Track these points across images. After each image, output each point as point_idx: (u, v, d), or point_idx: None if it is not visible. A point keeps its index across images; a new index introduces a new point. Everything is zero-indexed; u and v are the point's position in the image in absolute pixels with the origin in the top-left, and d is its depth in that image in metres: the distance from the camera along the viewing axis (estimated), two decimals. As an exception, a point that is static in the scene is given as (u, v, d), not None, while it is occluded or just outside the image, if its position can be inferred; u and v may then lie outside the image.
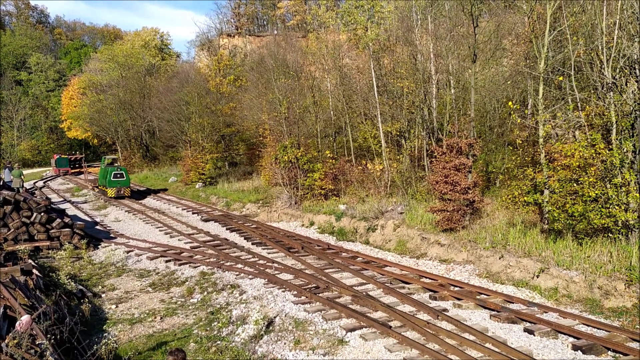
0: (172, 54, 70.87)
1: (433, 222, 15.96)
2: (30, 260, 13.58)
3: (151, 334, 9.77)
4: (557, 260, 11.55)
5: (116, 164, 34.38)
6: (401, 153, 23.46)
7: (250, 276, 13.06)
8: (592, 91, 13.50)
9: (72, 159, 54.31)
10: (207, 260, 14.96)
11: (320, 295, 11.11)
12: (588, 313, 9.92)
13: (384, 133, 23.10)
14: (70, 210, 26.20)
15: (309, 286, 11.94)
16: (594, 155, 11.92)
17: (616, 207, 11.43)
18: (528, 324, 9.30)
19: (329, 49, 27.22)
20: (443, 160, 15.89)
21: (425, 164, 21.65)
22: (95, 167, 58.72)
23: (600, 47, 12.42)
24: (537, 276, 11.50)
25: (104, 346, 8.46)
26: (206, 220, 22.86)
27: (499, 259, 12.72)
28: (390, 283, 12.17)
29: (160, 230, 20.72)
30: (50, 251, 16.36)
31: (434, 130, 21.48)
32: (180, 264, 14.84)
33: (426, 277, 12.48)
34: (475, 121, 18.60)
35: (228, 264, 14.44)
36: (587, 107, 13.72)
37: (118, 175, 30.45)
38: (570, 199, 12.34)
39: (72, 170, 53.04)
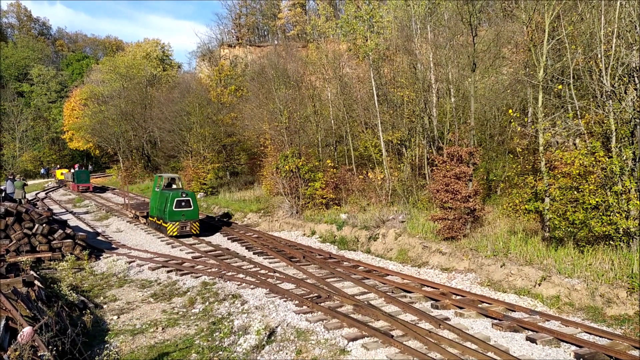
0: (173, 65, 71.38)
1: (434, 230, 15.96)
2: (32, 272, 13.57)
3: (153, 344, 9.75)
4: (558, 268, 11.54)
5: (175, 185, 23.49)
6: (402, 162, 23.54)
7: (251, 286, 13.05)
8: (592, 99, 13.56)
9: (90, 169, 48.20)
10: (209, 270, 14.95)
11: (321, 304, 11.10)
12: (590, 321, 9.90)
13: (385, 142, 23.18)
14: (72, 221, 26.21)
15: (311, 296, 11.93)
16: (594, 163, 11.95)
17: (617, 215, 11.45)
18: (530, 333, 9.28)
19: (329, 58, 27.44)
20: (444, 168, 15.91)
21: (426, 173, 21.69)
22: (96, 177, 58.78)
23: (599, 56, 12.49)
24: (539, 284, 11.48)
25: (105, 357, 8.48)
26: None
27: (501, 267, 12.71)
28: (392, 292, 12.16)
29: (162, 241, 20.71)
30: (52, 262, 16.35)
31: (434, 139, 21.56)
32: (181, 274, 14.83)
33: (428, 286, 12.47)
34: (475, 129, 18.66)
35: (229, 273, 14.43)
36: (587, 115, 13.77)
37: (183, 204, 20.49)
38: (571, 206, 12.35)
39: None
